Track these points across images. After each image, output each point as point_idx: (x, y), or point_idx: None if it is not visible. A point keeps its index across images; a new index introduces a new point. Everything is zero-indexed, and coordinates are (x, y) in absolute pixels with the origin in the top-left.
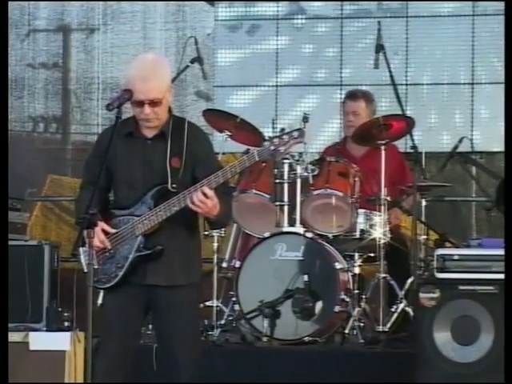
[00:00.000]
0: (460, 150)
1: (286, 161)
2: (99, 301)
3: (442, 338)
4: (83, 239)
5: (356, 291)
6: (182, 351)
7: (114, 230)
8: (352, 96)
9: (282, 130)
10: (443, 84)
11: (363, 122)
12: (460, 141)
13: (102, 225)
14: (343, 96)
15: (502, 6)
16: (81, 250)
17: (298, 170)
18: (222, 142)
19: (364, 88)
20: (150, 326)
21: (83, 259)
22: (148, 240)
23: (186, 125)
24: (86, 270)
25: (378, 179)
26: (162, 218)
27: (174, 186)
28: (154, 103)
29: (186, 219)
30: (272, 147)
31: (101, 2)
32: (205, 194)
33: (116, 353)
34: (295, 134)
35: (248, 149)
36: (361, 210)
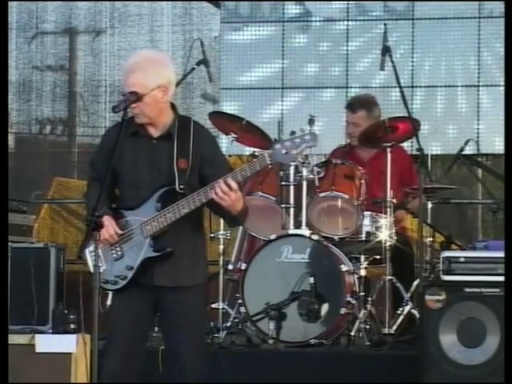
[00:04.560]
0: (466, 152)
1: (292, 163)
2: (108, 302)
3: (448, 340)
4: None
5: (362, 293)
6: (189, 352)
7: (121, 231)
8: (351, 107)
9: (293, 132)
10: (449, 86)
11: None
12: (466, 143)
13: (112, 223)
14: (348, 98)
15: None
16: (87, 251)
17: (304, 172)
18: (228, 145)
19: (369, 90)
20: (156, 329)
21: (90, 260)
22: (156, 242)
23: (192, 124)
24: (92, 271)
25: (385, 181)
26: (171, 219)
27: (181, 187)
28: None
29: (192, 220)
30: (283, 150)
31: (108, 5)
32: (229, 186)
33: (124, 354)
34: (307, 137)
35: (254, 151)
36: (367, 213)
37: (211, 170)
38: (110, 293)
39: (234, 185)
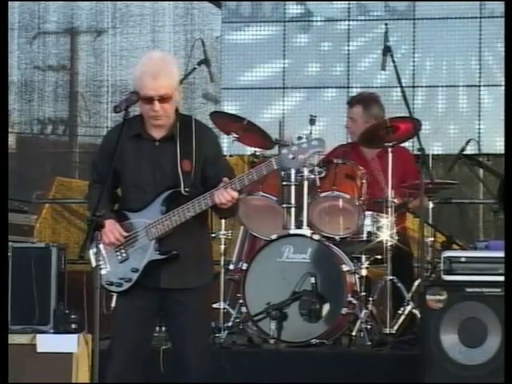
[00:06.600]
0: (467, 152)
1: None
2: (112, 304)
3: (449, 340)
4: (91, 241)
5: (363, 293)
6: (195, 351)
7: (126, 233)
8: (350, 102)
9: (300, 137)
10: (450, 86)
11: (361, 127)
12: (467, 143)
13: (117, 226)
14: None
15: None
16: (91, 252)
17: (305, 172)
18: (229, 145)
19: (371, 90)
20: (158, 329)
21: (94, 261)
22: (162, 244)
23: (194, 124)
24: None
25: (387, 180)
26: (177, 223)
27: (186, 189)
28: (163, 100)
29: (197, 221)
30: (290, 155)
31: (110, 6)
32: (231, 195)
33: (129, 355)
34: (315, 142)
35: (255, 151)
36: (368, 212)
37: (213, 171)
38: (114, 295)
39: (235, 194)
